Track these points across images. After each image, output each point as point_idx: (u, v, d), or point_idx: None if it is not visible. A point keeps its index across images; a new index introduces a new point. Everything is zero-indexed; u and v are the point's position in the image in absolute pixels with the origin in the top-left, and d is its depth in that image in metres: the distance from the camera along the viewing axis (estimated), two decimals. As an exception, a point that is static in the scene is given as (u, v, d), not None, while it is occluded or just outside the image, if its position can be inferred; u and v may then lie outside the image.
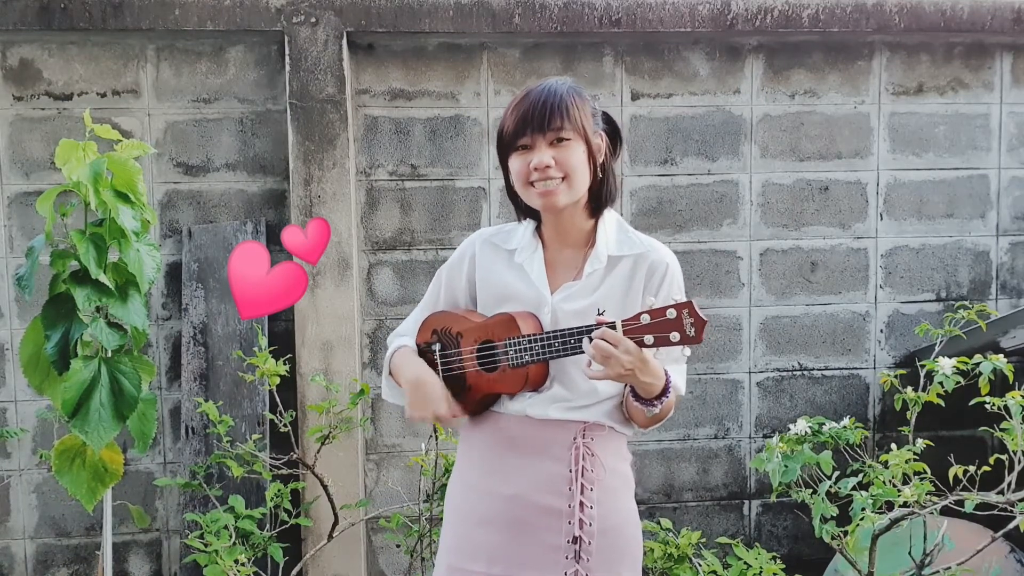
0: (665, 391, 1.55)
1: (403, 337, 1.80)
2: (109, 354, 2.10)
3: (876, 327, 3.39)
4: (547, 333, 1.57)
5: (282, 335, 3.13)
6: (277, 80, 3.12)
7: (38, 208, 2.05)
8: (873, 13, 3.20)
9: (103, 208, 2.03)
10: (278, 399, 2.70)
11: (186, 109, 3.13)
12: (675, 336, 1.42)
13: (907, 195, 3.38)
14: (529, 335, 1.59)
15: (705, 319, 1.41)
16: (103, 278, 2.03)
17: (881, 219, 3.37)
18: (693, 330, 1.41)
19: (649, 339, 1.44)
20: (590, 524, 1.60)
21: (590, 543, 1.60)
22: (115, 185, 2.07)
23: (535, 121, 1.58)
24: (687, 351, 1.53)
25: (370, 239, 3.20)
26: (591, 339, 1.47)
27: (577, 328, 1.53)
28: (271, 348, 2.80)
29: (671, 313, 1.42)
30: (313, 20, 3.03)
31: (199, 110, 3.14)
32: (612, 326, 1.46)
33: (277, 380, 2.62)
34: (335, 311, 3.07)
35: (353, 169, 3.13)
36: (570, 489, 1.61)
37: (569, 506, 1.61)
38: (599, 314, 1.52)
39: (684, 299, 1.43)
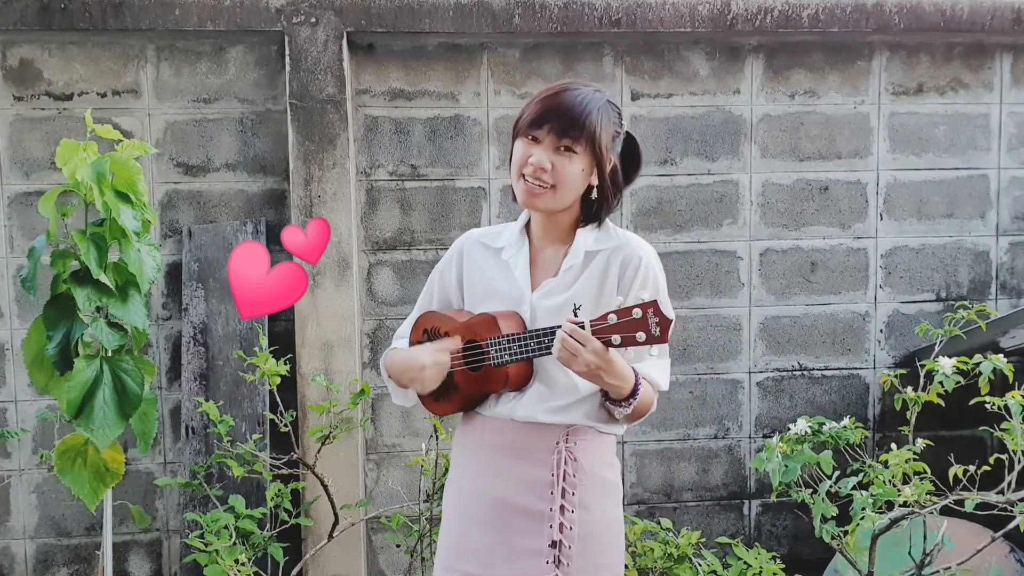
0: (634, 392, 1.56)
1: (400, 339, 1.84)
2: (109, 354, 2.10)
3: (876, 327, 3.39)
4: (524, 333, 1.59)
5: (282, 335, 3.13)
6: (277, 80, 3.13)
7: (40, 208, 2.06)
8: (873, 13, 3.20)
9: (106, 208, 2.03)
10: (278, 399, 2.71)
11: (186, 109, 3.13)
12: (641, 336, 1.42)
13: (907, 195, 3.38)
14: (508, 335, 1.61)
15: (671, 318, 1.41)
16: (104, 278, 2.03)
17: (881, 219, 3.38)
18: (658, 329, 1.41)
19: (616, 339, 1.45)
20: (570, 528, 1.61)
21: (570, 547, 1.61)
22: (116, 185, 2.07)
23: (553, 123, 1.58)
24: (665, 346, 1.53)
25: (370, 239, 3.20)
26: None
27: (550, 328, 1.55)
28: (271, 348, 2.80)
29: (637, 313, 1.42)
30: (313, 20, 3.03)
31: (199, 110, 3.14)
32: (582, 325, 1.47)
33: (277, 380, 2.62)
34: (335, 311, 3.07)
35: (353, 169, 3.13)
36: (551, 493, 1.62)
37: (550, 509, 1.62)
38: (575, 309, 1.53)
39: (650, 298, 1.42)
